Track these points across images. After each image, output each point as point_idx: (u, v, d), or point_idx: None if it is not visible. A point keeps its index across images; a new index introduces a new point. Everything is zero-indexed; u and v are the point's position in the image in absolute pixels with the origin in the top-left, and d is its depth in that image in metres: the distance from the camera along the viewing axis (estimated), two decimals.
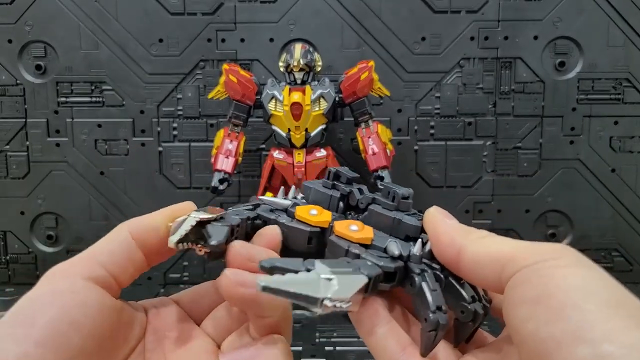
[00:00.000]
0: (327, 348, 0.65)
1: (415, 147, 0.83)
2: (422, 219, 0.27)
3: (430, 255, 0.26)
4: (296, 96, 0.67)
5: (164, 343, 0.27)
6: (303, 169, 0.69)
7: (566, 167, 0.83)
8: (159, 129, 0.83)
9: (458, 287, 0.25)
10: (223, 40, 0.81)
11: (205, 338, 0.28)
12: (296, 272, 0.22)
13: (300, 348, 0.65)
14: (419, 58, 0.81)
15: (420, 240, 0.27)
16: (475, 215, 0.84)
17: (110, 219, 0.84)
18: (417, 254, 0.26)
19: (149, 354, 0.27)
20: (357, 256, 0.26)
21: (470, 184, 0.83)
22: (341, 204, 0.30)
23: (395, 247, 0.26)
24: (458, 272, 0.25)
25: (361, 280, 0.23)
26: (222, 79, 0.70)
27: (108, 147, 0.84)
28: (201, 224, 0.27)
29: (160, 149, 0.84)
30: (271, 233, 0.29)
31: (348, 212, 0.31)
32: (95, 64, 0.82)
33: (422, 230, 0.27)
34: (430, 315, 0.24)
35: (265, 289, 0.21)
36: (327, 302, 0.21)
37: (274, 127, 0.69)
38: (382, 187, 0.30)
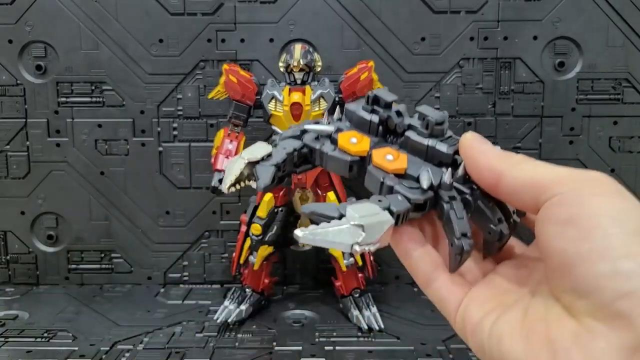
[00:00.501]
0: (327, 348, 0.65)
1: None
2: (456, 143, 0.28)
3: (463, 179, 0.27)
4: (296, 96, 0.67)
5: None
6: None
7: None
8: (159, 129, 0.83)
9: (486, 210, 0.27)
10: (223, 41, 0.81)
11: None
12: (330, 219, 0.25)
13: (300, 348, 0.65)
14: (418, 58, 0.81)
15: (449, 169, 0.28)
16: None
17: (110, 219, 0.84)
18: (448, 182, 0.27)
19: None
20: (391, 188, 0.28)
21: None
22: (380, 128, 0.31)
23: (426, 179, 0.27)
24: (497, 196, 0.26)
25: (388, 222, 0.25)
26: (222, 79, 0.70)
27: (108, 147, 0.84)
28: (250, 163, 0.30)
29: (161, 149, 0.84)
30: None
31: (388, 135, 0.31)
32: (96, 64, 0.82)
33: (456, 151, 0.28)
34: (456, 241, 0.26)
35: (304, 239, 0.25)
36: (356, 247, 0.24)
37: (274, 127, 0.70)
38: (417, 112, 0.30)
